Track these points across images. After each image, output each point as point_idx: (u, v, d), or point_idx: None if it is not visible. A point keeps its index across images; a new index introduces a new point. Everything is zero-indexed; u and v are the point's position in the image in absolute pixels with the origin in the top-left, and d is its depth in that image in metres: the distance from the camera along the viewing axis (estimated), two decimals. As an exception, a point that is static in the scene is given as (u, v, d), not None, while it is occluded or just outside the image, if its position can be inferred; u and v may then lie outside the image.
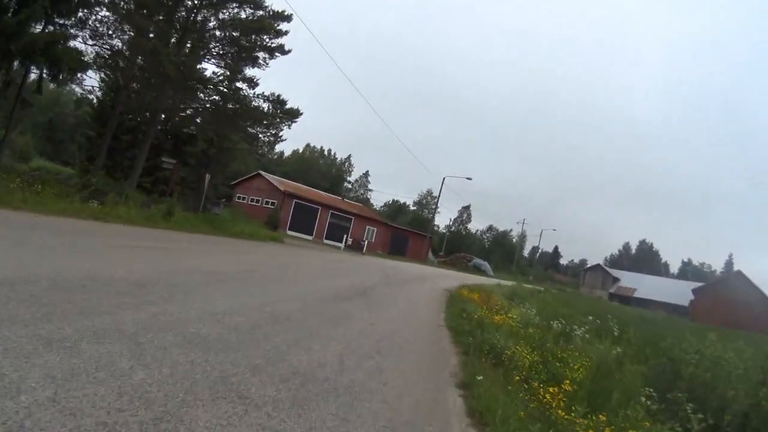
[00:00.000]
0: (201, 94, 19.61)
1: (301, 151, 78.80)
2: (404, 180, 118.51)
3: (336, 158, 79.20)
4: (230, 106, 19.78)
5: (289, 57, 19.78)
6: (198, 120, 22.74)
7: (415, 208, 77.85)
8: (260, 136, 21.01)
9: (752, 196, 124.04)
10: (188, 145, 26.53)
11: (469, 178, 44.50)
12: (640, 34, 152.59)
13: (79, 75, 17.11)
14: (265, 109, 19.42)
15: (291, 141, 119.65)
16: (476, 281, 25.20)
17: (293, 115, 19.46)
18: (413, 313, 8.50)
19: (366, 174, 79.35)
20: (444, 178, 45.14)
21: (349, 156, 79.23)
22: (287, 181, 45.31)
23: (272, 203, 38.57)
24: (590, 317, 10.29)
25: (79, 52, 17.43)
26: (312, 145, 79.87)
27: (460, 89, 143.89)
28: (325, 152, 79.72)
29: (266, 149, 24.40)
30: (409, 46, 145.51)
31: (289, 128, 20.28)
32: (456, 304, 10.62)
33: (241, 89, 20.20)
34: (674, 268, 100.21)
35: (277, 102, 19.31)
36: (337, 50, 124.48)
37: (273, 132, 20.47)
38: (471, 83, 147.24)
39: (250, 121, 19.49)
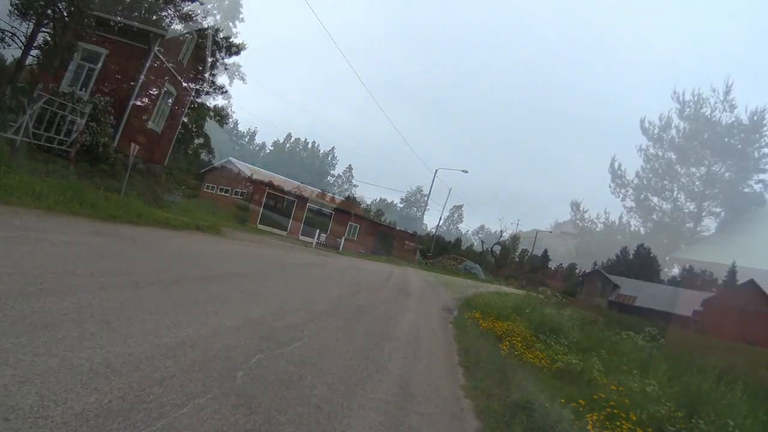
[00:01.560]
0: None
1: (282, 141, 73.92)
2: (391, 178, 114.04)
3: (319, 149, 74.39)
4: None
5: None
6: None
7: (403, 205, 73.25)
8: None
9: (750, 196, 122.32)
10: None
11: (464, 171, 40.18)
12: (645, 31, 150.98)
13: None
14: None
15: (273, 133, 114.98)
16: (479, 290, 20.73)
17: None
18: None
19: (350, 168, 74.59)
20: (436, 171, 40.77)
21: (333, 148, 74.43)
22: (259, 169, 40.49)
23: (242, 194, 33.96)
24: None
25: None
26: (295, 136, 75.02)
27: (455, 83, 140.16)
28: (309, 144, 74.87)
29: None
30: (401, 36, 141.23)
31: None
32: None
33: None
34: (666, 275, 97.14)
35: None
36: (328, 40, 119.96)
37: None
38: (465, 79, 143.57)
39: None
